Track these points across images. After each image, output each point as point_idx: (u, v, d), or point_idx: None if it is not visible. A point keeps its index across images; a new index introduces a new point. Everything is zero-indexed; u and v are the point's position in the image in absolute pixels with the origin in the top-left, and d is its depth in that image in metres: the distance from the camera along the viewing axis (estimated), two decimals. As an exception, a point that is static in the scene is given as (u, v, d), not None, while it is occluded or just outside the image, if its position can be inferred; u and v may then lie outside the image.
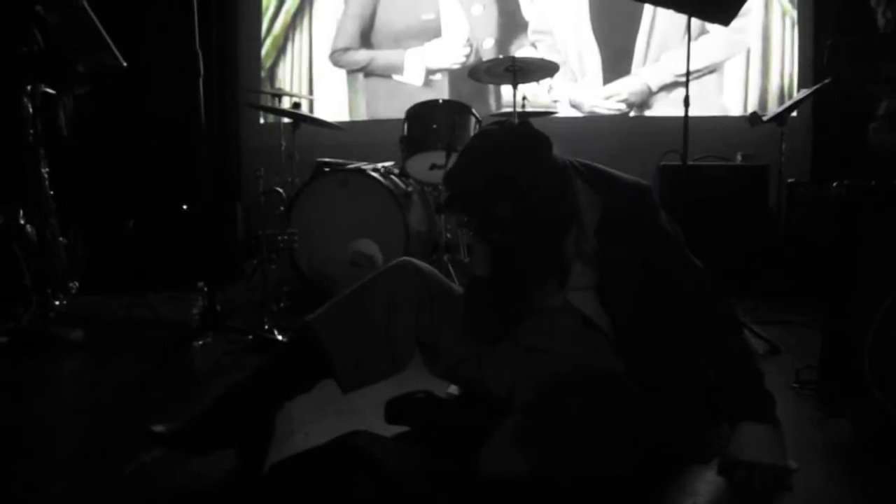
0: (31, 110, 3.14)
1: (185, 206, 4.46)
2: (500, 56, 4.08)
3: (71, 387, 2.71)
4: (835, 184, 2.03)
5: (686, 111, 2.86)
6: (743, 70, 4.98)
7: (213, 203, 4.51)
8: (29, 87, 3.12)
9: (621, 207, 1.74)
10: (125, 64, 3.20)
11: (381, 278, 1.77)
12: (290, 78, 5.54)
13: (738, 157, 4.34)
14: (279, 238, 2.91)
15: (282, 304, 3.43)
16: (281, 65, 5.55)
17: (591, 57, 5.09)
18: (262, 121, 5.54)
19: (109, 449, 1.91)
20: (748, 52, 4.97)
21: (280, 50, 5.55)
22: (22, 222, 3.23)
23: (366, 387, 1.76)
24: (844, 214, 2.02)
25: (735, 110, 4.95)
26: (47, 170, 3.26)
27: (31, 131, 3.15)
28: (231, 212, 4.62)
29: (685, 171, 2.99)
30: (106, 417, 2.21)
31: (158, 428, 1.71)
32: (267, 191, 3.29)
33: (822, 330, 2.23)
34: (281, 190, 3.42)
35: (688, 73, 2.82)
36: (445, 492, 1.50)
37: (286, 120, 4.21)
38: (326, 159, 4.11)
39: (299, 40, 5.55)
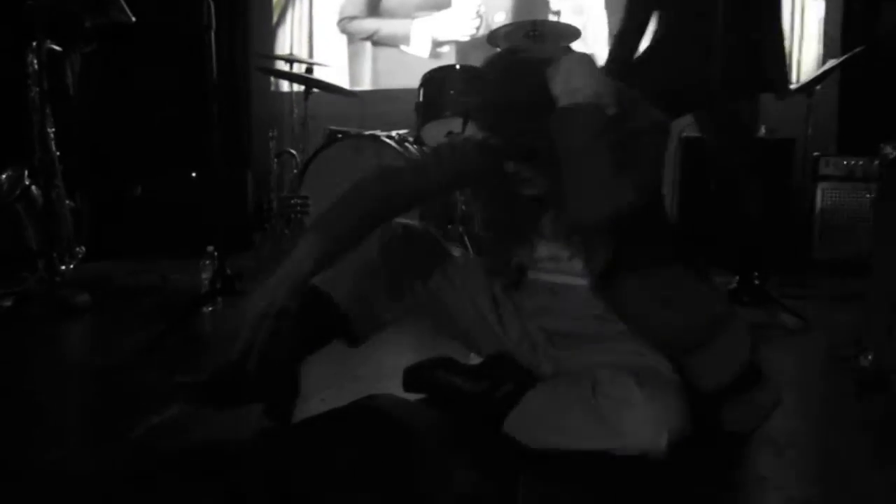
0: (36, 67, 3.03)
1: (193, 174, 4.36)
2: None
3: (77, 349, 2.64)
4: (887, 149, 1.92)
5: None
6: None
7: (222, 171, 4.44)
8: (35, 43, 3.01)
9: None
10: (133, 19, 3.09)
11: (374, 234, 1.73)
12: (289, 45, 5.41)
13: (763, 130, 4.21)
14: (293, 201, 2.81)
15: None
16: (280, 31, 5.43)
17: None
18: (273, 88, 5.42)
19: (117, 410, 1.83)
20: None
21: (279, 16, 5.43)
22: (27, 183, 3.14)
23: (378, 332, 1.73)
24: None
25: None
26: (53, 130, 3.16)
27: (37, 89, 3.05)
28: (241, 180, 4.52)
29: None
30: (113, 380, 2.13)
31: (184, 378, 1.65)
32: (280, 153, 3.19)
33: (865, 302, 2.14)
34: (294, 152, 3.32)
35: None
36: (468, 451, 1.43)
37: (298, 87, 4.10)
38: (338, 128, 4.00)
39: (299, 7, 5.42)
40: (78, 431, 1.75)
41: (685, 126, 4.15)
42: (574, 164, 1.45)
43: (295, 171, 3.32)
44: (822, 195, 4.07)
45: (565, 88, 1.44)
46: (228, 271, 2.70)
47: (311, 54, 5.37)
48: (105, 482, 1.41)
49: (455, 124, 3.64)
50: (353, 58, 5.37)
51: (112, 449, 1.57)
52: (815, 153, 4.01)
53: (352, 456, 1.33)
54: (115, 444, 1.58)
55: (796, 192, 4.11)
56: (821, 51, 4.82)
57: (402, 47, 5.24)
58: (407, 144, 3.81)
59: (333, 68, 5.08)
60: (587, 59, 1.49)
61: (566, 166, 1.45)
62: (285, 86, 5.25)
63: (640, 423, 1.43)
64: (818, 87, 3.91)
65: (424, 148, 3.84)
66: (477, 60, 4.25)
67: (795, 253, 3.90)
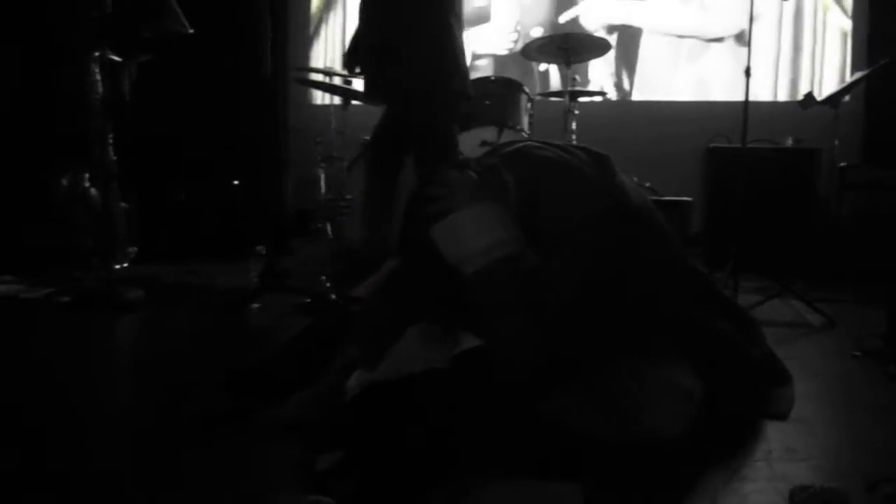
0: (97, 76, 3.22)
1: (235, 182, 4.53)
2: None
3: (132, 341, 2.78)
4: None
5: (747, 83, 2.85)
6: (774, 53, 4.95)
7: (263, 180, 4.61)
8: (96, 54, 3.20)
9: None
10: (191, 30, 3.27)
11: None
12: (323, 57, 5.58)
13: (789, 141, 4.30)
14: (339, 203, 2.95)
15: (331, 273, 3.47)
16: (315, 44, 5.60)
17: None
18: (310, 100, 5.58)
19: (173, 396, 1.96)
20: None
21: (315, 29, 5.60)
22: (87, 185, 3.31)
23: None
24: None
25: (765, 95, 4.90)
26: (111, 135, 3.34)
27: (97, 97, 3.23)
28: (280, 189, 4.68)
29: (736, 153, 3.00)
30: (167, 369, 2.26)
31: (237, 368, 1.77)
32: (326, 157, 3.34)
33: (889, 297, 2.23)
34: (339, 156, 3.47)
35: (750, 41, 2.82)
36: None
37: (337, 101, 4.24)
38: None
39: (332, 21, 5.59)
40: (137, 415, 1.88)
41: (713, 136, 4.28)
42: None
43: (340, 174, 3.46)
44: (848, 204, 4.14)
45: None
46: (277, 269, 2.83)
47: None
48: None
49: (489, 133, 3.77)
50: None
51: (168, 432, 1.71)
52: (842, 163, 4.09)
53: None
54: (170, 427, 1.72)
55: (822, 200, 4.19)
56: (845, 62, 4.91)
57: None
58: (442, 153, 3.94)
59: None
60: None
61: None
62: (319, 98, 5.43)
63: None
64: (845, 99, 4.01)
65: (459, 156, 3.97)
66: (514, 73, 4.41)
67: (821, 259, 3.97)
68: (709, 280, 1.93)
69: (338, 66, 5.44)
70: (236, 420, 1.70)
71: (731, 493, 1.42)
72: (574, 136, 3.95)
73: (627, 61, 5.13)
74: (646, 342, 1.68)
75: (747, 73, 2.85)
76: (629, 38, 5.10)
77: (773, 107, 4.86)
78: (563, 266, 1.63)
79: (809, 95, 3.91)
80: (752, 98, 2.91)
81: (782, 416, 1.83)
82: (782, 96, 4.96)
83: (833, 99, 3.86)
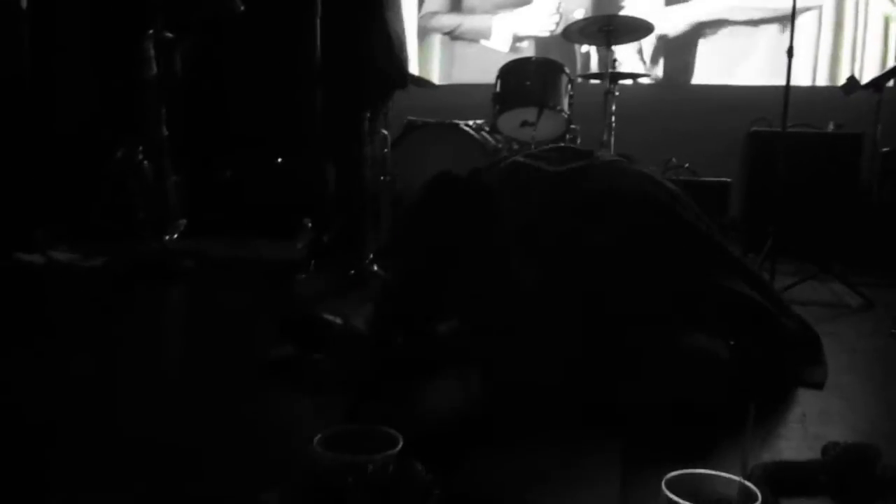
0: (152, 52, 3.33)
1: (280, 160, 4.63)
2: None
3: (186, 305, 2.90)
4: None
5: (789, 63, 2.87)
6: (815, 38, 4.91)
7: (306, 159, 4.70)
8: (151, 31, 3.31)
9: None
10: (242, 8, 3.36)
11: None
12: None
13: (830, 126, 4.29)
14: (382, 178, 3.03)
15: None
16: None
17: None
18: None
19: (228, 351, 2.07)
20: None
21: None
22: (140, 158, 3.43)
23: None
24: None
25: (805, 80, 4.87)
26: (164, 110, 3.45)
27: (151, 73, 3.35)
28: (322, 169, 4.76)
29: (777, 137, 3.01)
30: (222, 328, 2.38)
31: (291, 318, 1.89)
32: (372, 133, 3.41)
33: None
34: (386, 132, 3.54)
35: (793, 17, 2.83)
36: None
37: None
38: (416, 118, 4.20)
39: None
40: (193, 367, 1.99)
41: (754, 120, 4.28)
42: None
43: (385, 150, 3.53)
44: (890, 189, 4.11)
45: None
46: (325, 239, 2.92)
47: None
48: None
49: (530, 113, 3.82)
50: (424, 52, 5.59)
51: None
52: (884, 149, 4.07)
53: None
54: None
55: (864, 185, 4.16)
56: (887, 49, 4.86)
57: (483, 42, 5.44)
58: (483, 133, 4.01)
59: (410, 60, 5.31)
60: None
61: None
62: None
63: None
64: (888, 84, 3.98)
65: (498, 136, 4.03)
66: (556, 55, 4.45)
67: (862, 244, 3.96)
68: (738, 256, 1.98)
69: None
70: (291, 369, 1.80)
71: (764, 450, 1.47)
72: (613, 118, 3.98)
73: (669, 44, 5.13)
74: (678, 312, 1.75)
75: (790, 53, 2.86)
76: (671, 21, 5.10)
77: (813, 91, 4.84)
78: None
79: (852, 79, 3.88)
80: (792, 83, 2.93)
81: (818, 385, 1.89)
82: (822, 81, 4.93)
83: (877, 83, 3.83)
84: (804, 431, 1.58)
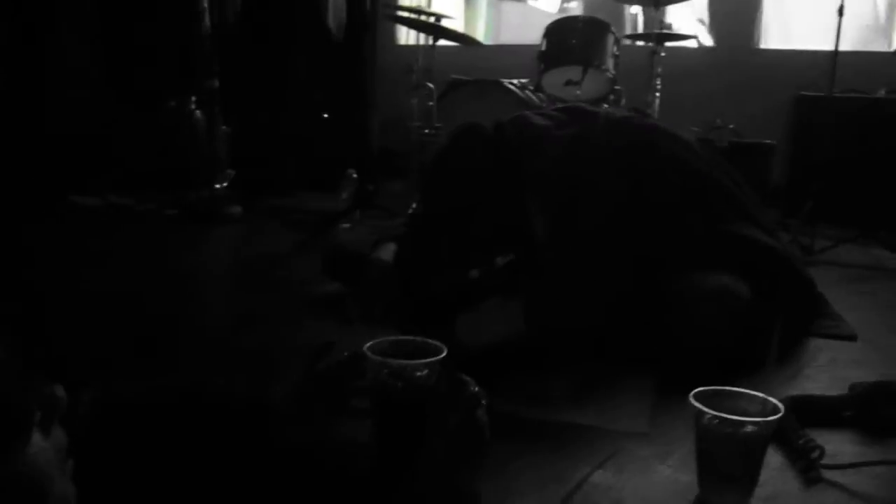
0: (205, 3, 3.41)
1: (325, 115, 4.70)
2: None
3: (232, 248, 3.01)
4: None
5: (839, 22, 2.84)
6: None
7: (349, 115, 4.78)
8: (205, -18, 3.40)
9: None
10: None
11: None
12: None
13: (882, 92, 4.22)
14: (426, 131, 3.09)
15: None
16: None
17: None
18: (398, 42, 5.70)
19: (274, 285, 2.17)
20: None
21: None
22: (193, 107, 3.54)
23: None
24: None
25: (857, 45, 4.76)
26: (216, 62, 3.54)
27: (205, 24, 3.44)
28: (366, 126, 4.83)
29: (826, 102, 2.99)
30: (268, 265, 2.48)
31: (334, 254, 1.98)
32: (416, 86, 3.47)
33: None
34: (431, 85, 3.58)
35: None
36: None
37: (423, 41, 4.33)
38: (460, 76, 4.22)
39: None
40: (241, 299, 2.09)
41: (802, 85, 4.23)
42: None
43: (430, 103, 3.58)
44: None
45: None
46: (370, 188, 2.99)
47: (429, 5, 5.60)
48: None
49: (574, 72, 3.84)
50: (470, 13, 5.59)
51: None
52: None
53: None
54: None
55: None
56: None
57: (530, 2, 5.42)
58: (528, 91, 4.03)
59: (457, 20, 5.31)
60: None
61: None
62: (404, 38, 5.54)
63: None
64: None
65: (542, 95, 4.05)
66: (605, 15, 4.43)
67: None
68: (751, 208, 2.00)
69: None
70: (334, 304, 1.90)
71: (791, 387, 1.52)
72: (658, 80, 3.97)
73: (718, 6, 5.06)
74: (699, 257, 1.80)
75: (840, 11, 2.83)
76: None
77: (864, 56, 4.74)
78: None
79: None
80: (843, 48, 2.89)
81: (851, 337, 1.92)
82: (877, 46, 4.83)
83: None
84: (832, 374, 1.62)
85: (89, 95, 3.76)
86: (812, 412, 1.35)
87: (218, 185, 3.67)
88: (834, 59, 2.95)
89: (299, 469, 1.08)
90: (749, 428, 1.01)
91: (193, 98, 3.55)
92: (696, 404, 1.03)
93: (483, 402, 1.09)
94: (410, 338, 1.18)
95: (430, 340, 1.17)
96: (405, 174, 3.92)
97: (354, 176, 3.20)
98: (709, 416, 1.02)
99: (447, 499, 1.05)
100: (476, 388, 1.10)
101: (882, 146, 4.05)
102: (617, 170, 1.86)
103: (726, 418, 1.01)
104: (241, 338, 1.72)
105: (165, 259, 2.59)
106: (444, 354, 1.13)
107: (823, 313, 2.03)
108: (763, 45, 4.98)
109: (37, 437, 0.75)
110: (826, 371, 1.64)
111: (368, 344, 1.15)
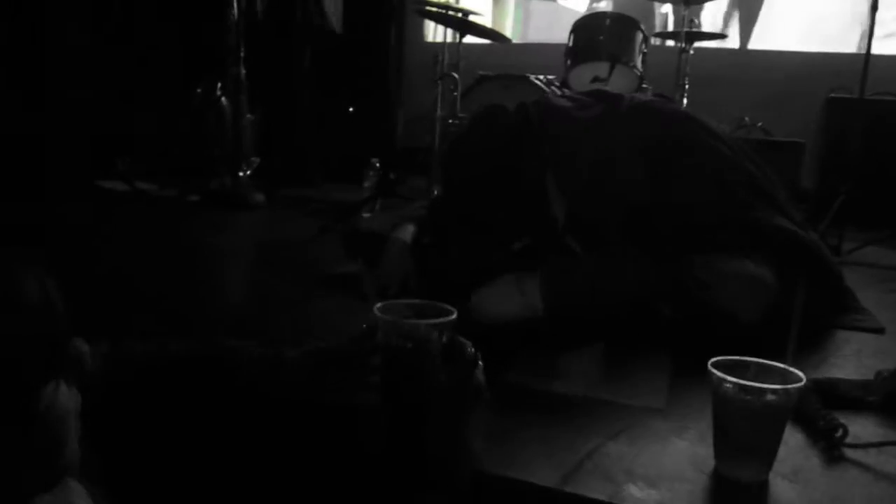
0: (235, -4, 3.44)
1: (350, 109, 4.71)
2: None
3: (255, 234, 3.02)
4: None
5: (872, 18, 2.78)
6: None
7: (374, 111, 4.78)
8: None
9: None
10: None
11: None
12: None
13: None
14: (450, 122, 3.07)
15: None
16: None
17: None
18: (428, 38, 5.68)
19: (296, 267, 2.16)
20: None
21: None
22: (219, 94, 3.55)
23: None
24: None
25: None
26: (243, 51, 3.55)
27: (234, 13, 3.45)
28: (393, 121, 4.83)
29: (858, 104, 2.93)
30: (287, 253, 2.48)
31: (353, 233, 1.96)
32: (442, 76, 3.46)
33: None
34: (456, 75, 3.57)
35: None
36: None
37: (450, 39, 4.31)
38: (486, 72, 4.20)
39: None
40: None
41: (833, 87, 4.16)
42: None
43: (456, 93, 3.56)
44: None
45: None
46: (392, 176, 2.98)
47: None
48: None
49: (601, 69, 3.80)
50: (498, 10, 5.57)
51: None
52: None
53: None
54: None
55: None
56: None
57: (560, 1, 5.39)
58: (554, 87, 4.00)
59: (484, 17, 5.30)
60: None
61: None
62: (431, 36, 5.53)
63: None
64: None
65: (568, 91, 4.02)
66: (635, 13, 4.39)
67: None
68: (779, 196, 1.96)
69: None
70: (354, 283, 1.89)
71: (816, 374, 1.48)
72: (686, 78, 3.93)
73: (747, 6, 5.00)
74: (723, 243, 1.76)
75: (874, 7, 2.78)
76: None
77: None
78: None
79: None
80: (875, 52, 2.83)
81: (878, 329, 1.87)
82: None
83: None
84: (858, 363, 1.57)
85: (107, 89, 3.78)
86: (835, 396, 1.31)
87: (242, 174, 3.68)
88: (867, 56, 2.88)
89: (306, 426, 1.07)
90: (770, 397, 0.97)
91: (220, 85, 3.56)
92: (715, 372, 1.00)
93: (480, 363, 1.07)
94: (420, 301, 1.17)
95: (440, 304, 1.15)
96: (428, 170, 3.91)
97: (377, 165, 3.18)
98: (728, 384, 0.99)
99: (446, 456, 1.03)
100: (472, 350, 1.08)
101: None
102: (640, 153, 1.83)
103: (746, 385, 0.98)
104: (255, 311, 1.72)
105: (183, 239, 2.59)
106: (454, 316, 1.11)
107: (851, 307, 1.98)
108: (795, 48, 4.91)
109: (63, 388, 0.75)
110: (851, 360, 1.59)
111: (379, 304, 1.13)
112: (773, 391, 0.98)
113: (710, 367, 1.01)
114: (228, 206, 3.31)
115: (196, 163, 3.60)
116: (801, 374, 1.01)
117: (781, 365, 1.04)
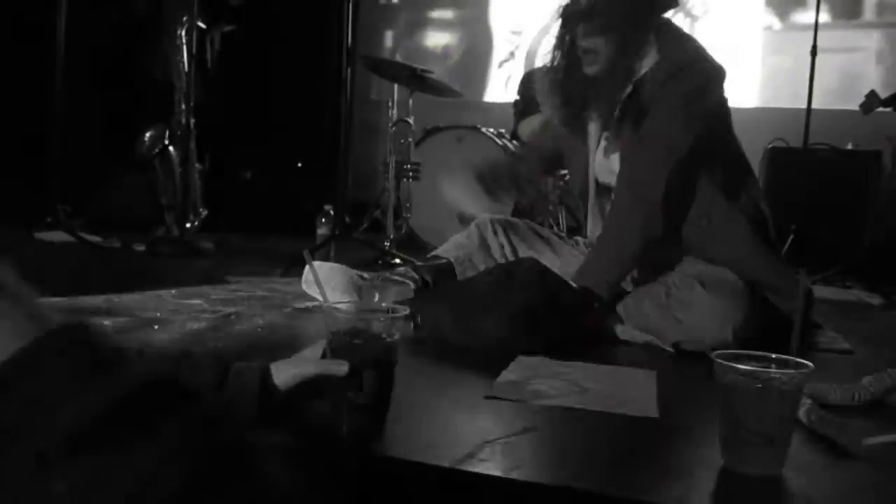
0: (183, 41, 3.39)
1: (299, 164, 4.67)
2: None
3: (205, 278, 2.89)
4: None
5: (812, 62, 2.90)
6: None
7: (323, 165, 4.73)
8: (185, 18, 3.38)
9: None
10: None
11: None
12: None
13: (849, 146, 4.30)
14: (405, 166, 3.06)
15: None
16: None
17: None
18: (373, 96, 5.70)
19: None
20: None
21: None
22: (166, 143, 3.47)
23: None
24: None
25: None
26: (192, 100, 3.49)
27: (183, 60, 3.41)
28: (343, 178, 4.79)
29: (796, 154, 3.04)
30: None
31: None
32: (396, 121, 3.45)
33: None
34: (410, 120, 3.57)
35: (816, 23, 2.88)
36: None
37: (397, 95, 4.28)
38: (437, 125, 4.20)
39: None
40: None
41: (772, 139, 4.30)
42: None
43: (409, 140, 3.54)
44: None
45: None
46: (347, 219, 2.93)
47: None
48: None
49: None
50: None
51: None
52: None
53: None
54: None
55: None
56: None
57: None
58: (504, 140, 4.04)
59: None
60: None
61: None
62: (375, 93, 5.56)
63: (706, 319, 1.62)
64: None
65: (516, 143, 4.06)
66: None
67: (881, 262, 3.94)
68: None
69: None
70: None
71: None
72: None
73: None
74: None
75: (813, 52, 2.90)
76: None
77: (833, 113, 4.85)
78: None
79: (872, 94, 3.89)
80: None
81: (849, 351, 1.88)
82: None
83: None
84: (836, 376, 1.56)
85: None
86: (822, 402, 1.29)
87: (189, 225, 3.58)
88: (809, 99, 3.01)
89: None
90: (780, 382, 0.94)
91: (167, 132, 3.49)
92: (721, 361, 0.96)
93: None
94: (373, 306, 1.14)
95: (393, 306, 1.12)
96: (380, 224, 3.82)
97: (331, 213, 3.13)
98: (736, 371, 0.95)
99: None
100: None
101: (849, 196, 4.11)
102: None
103: (755, 371, 0.94)
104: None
105: (128, 282, 2.46)
106: (405, 313, 1.07)
107: (820, 328, 2.00)
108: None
109: None
110: (828, 376, 1.58)
111: (329, 303, 1.09)
112: (785, 375, 0.94)
113: (714, 357, 0.98)
114: (176, 254, 3.19)
115: (142, 212, 3.49)
116: (806, 361, 0.98)
117: (783, 356, 1.01)
